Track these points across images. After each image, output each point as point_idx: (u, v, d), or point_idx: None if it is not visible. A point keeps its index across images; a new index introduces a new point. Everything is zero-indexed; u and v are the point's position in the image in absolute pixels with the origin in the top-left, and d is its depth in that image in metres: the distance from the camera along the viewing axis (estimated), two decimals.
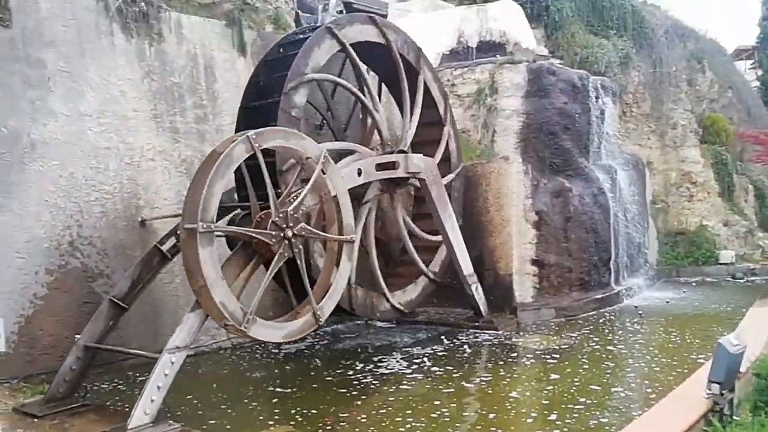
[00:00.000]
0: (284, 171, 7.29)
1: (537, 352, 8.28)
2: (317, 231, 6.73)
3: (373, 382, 7.12)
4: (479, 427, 5.70)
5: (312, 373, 7.70)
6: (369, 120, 9.45)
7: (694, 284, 13.64)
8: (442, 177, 9.47)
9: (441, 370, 7.52)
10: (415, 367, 7.70)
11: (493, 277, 10.74)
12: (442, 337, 9.25)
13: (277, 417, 6.02)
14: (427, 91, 9.90)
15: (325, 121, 10.30)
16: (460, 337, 9.24)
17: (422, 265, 9.27)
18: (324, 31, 8.33)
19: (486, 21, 12.95)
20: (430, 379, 7.18)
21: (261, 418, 6.01)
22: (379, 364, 7.87)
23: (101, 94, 8.51)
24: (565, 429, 5.51)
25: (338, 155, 8.34)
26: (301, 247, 6.44)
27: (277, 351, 8.88)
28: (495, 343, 8.88)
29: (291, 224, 6.43)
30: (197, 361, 8.47)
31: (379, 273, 8.58)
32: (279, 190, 7.16)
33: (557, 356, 7.98)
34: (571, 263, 11.07)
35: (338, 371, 7.64)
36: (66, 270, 7.88)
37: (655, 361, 7.60)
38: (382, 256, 10.57)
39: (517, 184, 10.90)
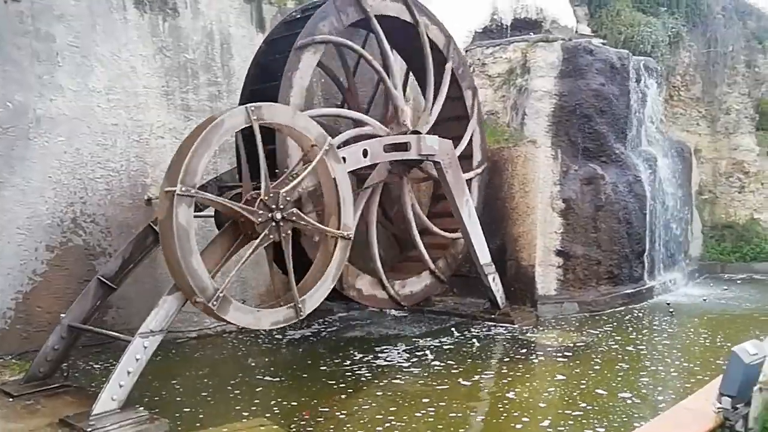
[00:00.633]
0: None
1: (549, 349, 7.79)
2: (310, 220, 6.41)
3: (367, 374, 6.81)
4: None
5: (308, 362, 7.45)
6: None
7: (739, 281, 12.74)
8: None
9: (441, 364, 7.15)
10: (415, 360, 7.35)
11: (514, 267, 10.24)
12: (453, 329, 8.84)
13: (254, 408, 5.79)
14: (454, 80, 9.42)
15: (345, 101, 9.94)
16: (472, 330, 8.82)
17: (428, 260, 8.78)
18: None
19: None
20: (426, 374, 6.82)
21: (238, 407, 5.79)
22: (379, 355, 7.55)
23: (111, 70, 8.40)
24: None
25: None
26: (289, 232, 6.15)
27: (281, 337, 8.68)
28: (508, 338, 8.43)
29: (282, 206, 6.14)
30: (200, 343, 8.40)
31: (377, 258, 8.13)
32: (277, 171, 6.93)
33: (569, 354, 7.49)
34: (600, 255, 10.44)
35: (335, 361, 7.37)
36: (67, 247, 7.85)
37: (675, 365, 7.02)
38: (397, 243, 10.25)
39: (544, 170, 10.31)
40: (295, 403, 5.88)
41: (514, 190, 10.38)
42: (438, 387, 6.36)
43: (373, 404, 5.88)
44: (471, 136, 9.62)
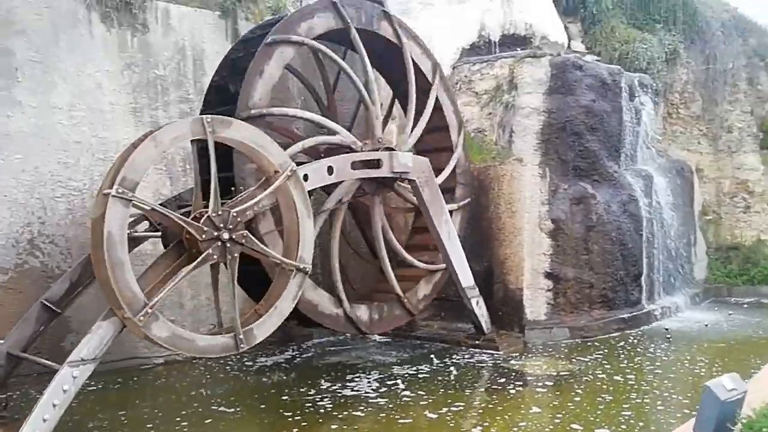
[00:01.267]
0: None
1: (530, 378, 7.27)
2: (263, 247, 5.99)
3: (328, 405, 6.32)
4: None
5: (272, 391, 6.99)
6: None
7: (745, 306, 12.12)
8: None
9: (412, 395, 6.65)
10: (384, 389, 6.85)
11: (502, 291, 9.74)
12: (433, 356, 8.34)
13: None
14: (438, 108, 9.06)
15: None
16: (454, 357, 8.31)
17: (396, 286, 8.15)
18: (327, 2, 7.62)
19: (510, 13, 11.96)
20: (392, 405, 6.32)
21: None
22: (347, 384, 7.06)
23: (75, 86, 8.13)
24: None
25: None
26: (236, 255, 5.73)
27: (251, 363, 8.23)
28: (489, 366, 7.91)
29: (231, 226, 5.74)
30: (165, 370, 7.97)
31: (338, 273, 7.52)
32: (234, 189, 6.54)
33: (550, 384, 6.97)
34: (593, 278, 9.91)
35: (300, 390, 6.89)
36: (23, 269, 7.51)
37: (663, 397, 6.47)
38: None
39: (531, 189, 9.86)
40: None
41: (500, 210, 9.93)
42: (400, 420, 5.86)
43: None
44: (455, 168, 9.19)
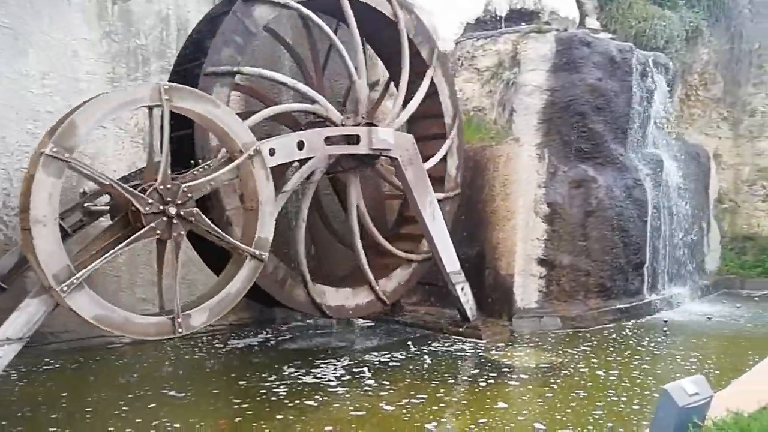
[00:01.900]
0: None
1: (506, 370, 6.86)
2: (215, 227, 5.66)
3: (282, 393, 6.00)
4: None
5: (232, 375, 6.72)
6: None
7: (756, 299, 11.50)
8: None
9: (375, 384, 6.31)
10: (348, 378, 6.53)
11: (492, 276, 9.31)
12: (410, 342, 7.99)
13: (129, 429, 5.06)
14: (434, 93, 8.60)
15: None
16: (432, 345, 7.95)
17: (369, 273, 7.78)
18: None
19: None
20: (350, 395, 5.99)
21: (118, 424, 5.09)
22: (311, 371, 6.75)
23: (48, 54, 7.88)
24: None
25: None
26: (183, 233, 5.41)
27: (221, 345, 7.99)
28: (467, 355, 7.54)
29: (180, 201, 5.43)
30: (132, 350, 7.77)
31: (302, 253, 7.19)
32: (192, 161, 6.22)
33: (525, 377, 6.56)
34: (590, 265, 9.42)
35: (262, 375, 6.60)
36: None
37: (643, 395, 6.01)
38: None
39: (528, 171, 9.38)
40: (177, 425, 5.13)
41: (494, 192, 9.47)
42: (353, 413, 5.52)
43: (266, 430, 5.09)
44: (446, 155, 8.73)
